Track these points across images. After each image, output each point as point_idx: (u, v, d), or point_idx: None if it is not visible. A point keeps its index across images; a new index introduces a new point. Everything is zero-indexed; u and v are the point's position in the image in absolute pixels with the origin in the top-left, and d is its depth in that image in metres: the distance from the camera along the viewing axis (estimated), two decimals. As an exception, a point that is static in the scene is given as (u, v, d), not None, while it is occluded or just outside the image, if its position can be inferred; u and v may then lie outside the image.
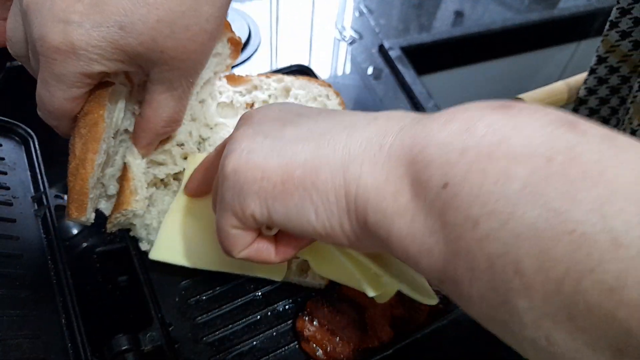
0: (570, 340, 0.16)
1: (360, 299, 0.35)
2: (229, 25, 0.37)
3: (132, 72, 0.33)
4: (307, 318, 0.34)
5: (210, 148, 0.39)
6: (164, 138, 0.35)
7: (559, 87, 0.63)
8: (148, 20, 0.25)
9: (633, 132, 0.49)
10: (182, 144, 0.37)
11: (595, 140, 0.16)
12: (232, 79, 0.42)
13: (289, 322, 0.35)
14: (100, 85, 0.30)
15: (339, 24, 0.72)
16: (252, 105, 0.42)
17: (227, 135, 0.36)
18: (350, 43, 0.69)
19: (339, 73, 0.65)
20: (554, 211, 0.15)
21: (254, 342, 0.34)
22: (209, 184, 0.33)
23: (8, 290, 0.31)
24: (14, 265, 0.33)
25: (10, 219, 0.36)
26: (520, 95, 0.61)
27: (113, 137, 0.32)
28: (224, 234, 0.26)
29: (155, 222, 0.36)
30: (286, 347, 0.34)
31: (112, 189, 0.35)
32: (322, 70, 0.65)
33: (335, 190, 0.21)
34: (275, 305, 0.36)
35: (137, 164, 0.35)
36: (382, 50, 0.67)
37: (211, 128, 0.40)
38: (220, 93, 0.41)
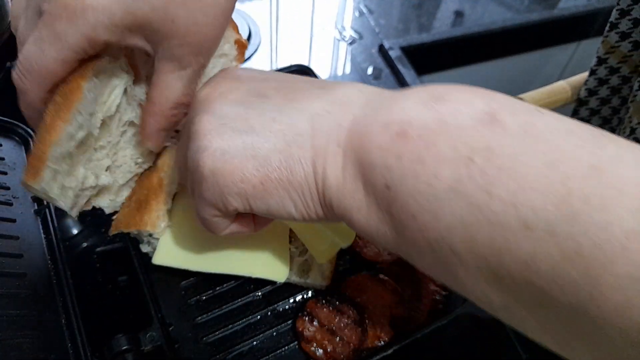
0: (502, 297, 0.20)
1: (360, 299, 0.35)
2: (236, 27, 0.37)
3: (139, 54, 0.32)
4: (307, 318, 0.34)
5: None
6: (172, 127, 0.34)
7: (559, 87, 0.63)
8: None
9: (632, 131, 0.49)
10: None
11: (512, 133, 0.19)
12: None
13: (289, 322, 0.35)
14: (90, 59, 0.28)
15: (339, 24, 0.72)
16: None
17: None
18: (350, 43, 0.69)
19: (339, 73, 0.65)
20: (476, 206, 0.19)
21: (254, 342, 0.34)
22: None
23: (8, 290, 0.31)
24: (14, 265, 0.33)
25: (10, 219, 0.36)
26: (521, 95, 0.61)
27: (105, 121, 0.31)
28: (206, 222, 0.28)
29: None
30: (286, 347, 0.34)
31: (104, 179, 0.33)
32: (322, 70, 0.65)
33: (310, 188, 0.24)
34: (276, 305, 0.36)
35: (169, 189, 0.35)
36: (382, 50, 0.67)
37: None
38: None
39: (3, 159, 0.39)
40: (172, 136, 0.37)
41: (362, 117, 0.23)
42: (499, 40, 0.77)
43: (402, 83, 0.63)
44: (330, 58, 0.67)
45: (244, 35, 0.65)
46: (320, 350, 0.33)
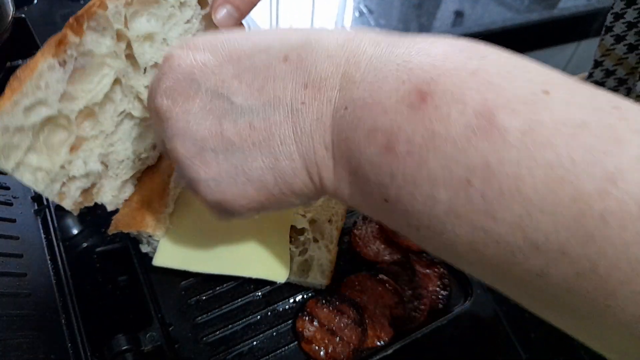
0: (513, 293, 0.20)
1: (360, 299, 0.35)
2: (242, 24, 0.37)
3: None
4: (307, 318, 0.34)
5: None
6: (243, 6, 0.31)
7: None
8: None
9: None
10: None
11: (512, 141, 0.16)
12: None
13: (289, 322, 0.35)
14: (61, 42, 0.28)
15: (339, 24, 0.72)
16: None
17: None
18: (350, 43, 0.69)
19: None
20: (480, 228, 0.17)
21: (254, 342, 0.34)
22: None
23: (8, 290, 0.31)
24: (14, 265, 0.33)
25: (10, 219, 0.36)
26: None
27: (95, 108, 0.31)
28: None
29: None
30: (286, 347, 0.34)
31: (92, 165, 0.33)
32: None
33: (310, 192, 0.24)
34: (275, 305, 0.36)
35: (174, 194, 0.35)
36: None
37: None
38: None
39: (3, 159, 0.39)
40: None
41: (343, 111, 0.21)
42: (499, 40, 0.77)
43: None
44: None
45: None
46: (321, 351, 0.33)
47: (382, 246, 0.39)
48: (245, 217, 0.26)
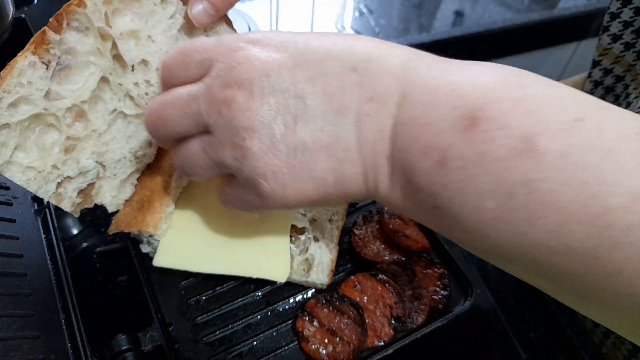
0: (549, 286, 0.23)
1: (360, 299, 0.35)
2: (230, 21, 0.37)
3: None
4: (307, 318, 0.34)
5: None
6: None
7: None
8: None
9: None
10: None
11: (550, 162, 0.19)
12: None
13: (289, 322, 0.35)
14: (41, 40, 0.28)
15: (339, 24, 0.72)
16: None
17: None
18: (350, 43, 0.69)
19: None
20: (522, 233, 0.20)
21: (254, 342, 0.34)
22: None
23: (8, 290, 0.31)
24: (14, 265, 0.33)
25: (10, 219, 0.36)
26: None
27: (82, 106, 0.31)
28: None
29: None
30: (286, 347, 0.34)
31: (85, 162, 0.33)
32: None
33: (362, 194, 0.27)
34: (275, 305, 0.36)
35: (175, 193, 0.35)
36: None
37: None
38: None
39: (3, 159, 0.39)
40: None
41: (402, 127, 0.24)
42: (499, 40, 0.77)
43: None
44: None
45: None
46: (321, 351, 0.33)
47: (382, 246, 0.39)
48: (286, 209, 0.29)
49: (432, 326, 0.34)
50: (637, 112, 0.48)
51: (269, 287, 0.37)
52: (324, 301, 0.35)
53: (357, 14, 0.74)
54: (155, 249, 0.35)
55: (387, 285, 0.35)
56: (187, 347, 0.33)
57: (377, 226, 0.40)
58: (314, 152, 0.25)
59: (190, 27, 0.35)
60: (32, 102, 0.29)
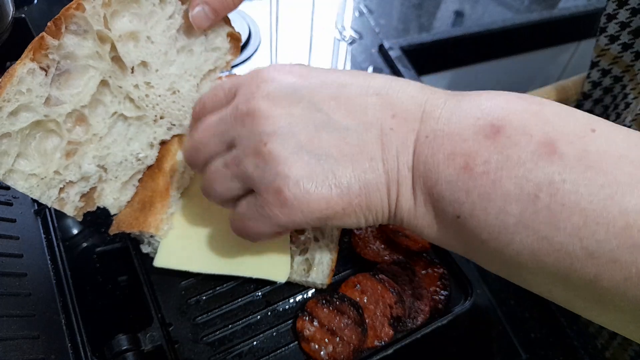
0: (564, 294, 0.23)
1: (360, 299, 0.35)
2: (229, 20, 0.37)
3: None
4: (307, 318, 0.34)
5: None
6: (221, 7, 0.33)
7: (563, 85, 0.63)
8: None
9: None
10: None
11: (571, 164, 0.20)
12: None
13: (289, 322, 0.35)
14: (39, 45, 0.28)
15: (339, 24, 0.72)
16: None
17: None
18: (350, 43, 0.69)
19: (339, 73, 0.65)
20: (544, 237, 0.21)
21: (254, 342, 0.34)
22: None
23: (8, 290, 0.31)
24: (14, 265, 0.33)
25: (10, 219, 0.36)
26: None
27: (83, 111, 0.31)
28: (255, 235, 0.29)
29: None
30: (286, 347, 0.34)
31: (87, 167, 0.33)
32: (322, 70, 0.65)
33: (383, 208, 0.26)
34: (275, 305, 0.36)
35: (175, 194, 0.36)
36: (382, 50, 0.67)
37: None
38: None
39: (3, 159, 0.39)
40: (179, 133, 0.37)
41: (425, 138, 0.24)
42: (499, 40, 0.77)
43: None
44: (330, 58, 0.67)
45: (244, 36, 0.65)
46: (321, 351, 0.33)
47: (382, 246, 0.39)
48: (302, 226, 0.27)
49: (432, 326, 0.34)
50: (637, 113, 0.49)
51: (269, 287, 0.37)
52: (324, 301, 0.35)
53: (357, 14, 0.74)
54: (155, 249, 0.35)
55: (387, 285, 0.35)
56: (187, 347, 0.33)
57: (377, 226, 0.40)
58: (339, 160, 0.25)
59: (188, 28, 0.35)
60: (32, 109, 0.29)
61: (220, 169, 0.28)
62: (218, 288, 0.36)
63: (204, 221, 0.37)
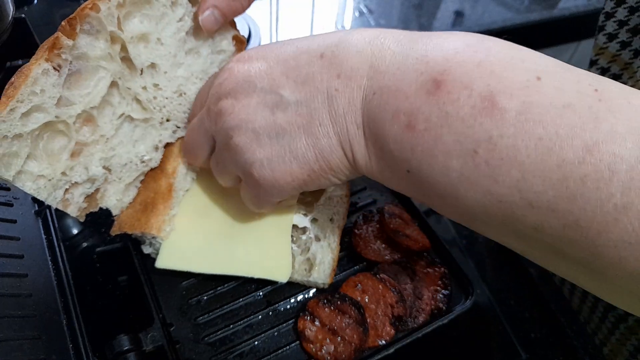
0: (519, 245, 0.23)
1: (361, 298, 0.35)
2: (234, 23, 0.37)
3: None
4: (308, 318, 0.34)
5: None
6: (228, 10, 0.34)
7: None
8: None
9: None
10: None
11: (510, 119, 0.20)
12: None
13: (290, 322, 0.35)
14: (52, 46, 0.28)
15: (339, 24, 0.72)
16: None
17: None
18: (350, 43, 0.69)
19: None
20: (486, 190, 0.21)
21: (255, 342, 0.34)
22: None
23: (9, 291, 0.31)
24: (14, 266, 0.33)
25: (11, 220, 0.36)
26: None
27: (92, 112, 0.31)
28: (260, 206, 0.33)
29: None
30: (287, 347, 0.34)
31: (94, 170, 0.33)
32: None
33: (344, 166, 0.28)
34: (277, 305, 0.36)
35: (181, 194, 0.36)
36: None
37: None
38: None
39: (3, 159, 0.39)
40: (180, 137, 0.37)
41: (372, 95, 0.25)
42: (498, 40, 0.77)
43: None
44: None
45: (244, 35, 0.65)
46: (322, 350, 0.33)
47: (383, 246, 0.39)
48: (288, 196, 0.30)
49: (433, 325, 0.34)
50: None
51: (270, 287, 0.37)
52: (325, 301, 0.35)
53: (357, 14, 0.74)
54: (157, 250, 0.35)
55: (388, 284, 0.35)
56: (188, 347, 0.33)
57: (378, 226, 0.40)
58: (293, 134, 0.27)
59: (197, 30, 0.35)
60: (44, 110, 0.29)
61: (214, 166, 0.33)
62: (219, 288, 0.36)
63: (206, 222, 0.37)
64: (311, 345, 0.33)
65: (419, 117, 0.23)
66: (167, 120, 0.36)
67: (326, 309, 0.34)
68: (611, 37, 0.51)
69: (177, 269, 0.35)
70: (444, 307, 0.36)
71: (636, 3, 0.47)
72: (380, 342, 0.33)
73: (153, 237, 0.35)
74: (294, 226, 0.37)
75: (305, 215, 0.38)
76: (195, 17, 0.34)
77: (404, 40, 0.25)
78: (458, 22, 0.79)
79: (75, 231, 0.42)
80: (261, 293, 0.36)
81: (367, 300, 0.35)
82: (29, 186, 0.30)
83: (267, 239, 0.36)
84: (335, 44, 0.26)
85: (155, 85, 0.34)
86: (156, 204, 0.35)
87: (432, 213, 0.47)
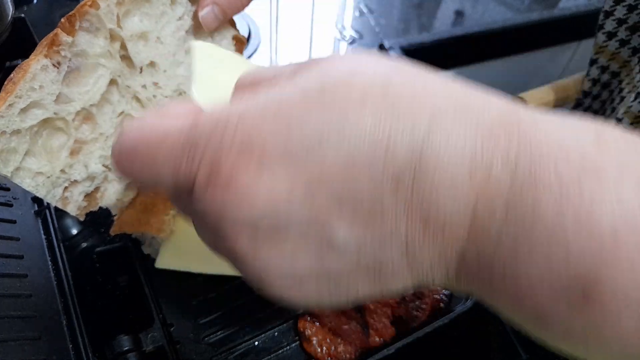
0: None
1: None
2: (234, 22, 0.37)
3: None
4: (308, 318, 0.34)
5: None
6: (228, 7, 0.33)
7: (563, 84, 0.63)
8: None
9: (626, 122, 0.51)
10: None
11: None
12: None
13: (291, 322, 0.35)
14: (51, 43, 0.28)
15: (339, 24, 0.72)
16: None
17: None
18: (351, 43, 0.69)
19: (339, 73, 0.65)
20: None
21: (256, 342, 0.34)
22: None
23: (9, 291, 0.31)
24: (14, 266, 0.33)
25: (10, 220, 0.36)
26: (521, 94, 0.61)
27: (88, 110, 0.31)
28: None
29: None
30: (288, 347, 0.34)
31: (94, 167, 0.32)
32: (322, 70, 0.65)
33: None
34: (277, 305, 0.36)
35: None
36: (383, 50, 0.67)
37: None
38: None
39: (3, 159, 0.39)
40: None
41: (476, 268, 0.17)
42: (499, 40, 0.77)
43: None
44: (330, 58, 0.67)
45: (244, 35, 0.65)
46: (322, 350, 0.33)
47: (383, 246, 0.39)
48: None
49: (434, 325, 0.34)
50: (629, 106, 0.49)
51: (270, 287, 0.37)
52: (325, 301, 0.35)
53: (357, 13, 0.74)
54: (157, 250, 0.35)
55: (388, 285, 0.35)
56: (188, 348, 0.33)
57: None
58: (351, 281, 0.19)
59: (196, 29, 0.35)
60: (43, 106, 0.29)
61: (178, 210, 0.23)
62: (219, 288, 0.36)
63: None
64: (311, 345, 0.33)
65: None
66: None
67: (326, 309, 0.34)
68: (610, 35, 0.51)
69: (177, 269, 0.35)
70: (444, 307, 0.36)
71: (635, 1, 0.47)
72: (380, 342, 0.33)
73: (153, 237, 0.35)
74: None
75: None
76: (194, 16, 0.34)
77: (519, 169, 0.15)
78: (458, 21, 0.79)
79: (75, 231, 0.42)
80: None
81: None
82: (27, 183, 0.30)
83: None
84: (415, 158, 0.16)
85: (155, 83, 0.34)
86: (156, 204, 0.35)
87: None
